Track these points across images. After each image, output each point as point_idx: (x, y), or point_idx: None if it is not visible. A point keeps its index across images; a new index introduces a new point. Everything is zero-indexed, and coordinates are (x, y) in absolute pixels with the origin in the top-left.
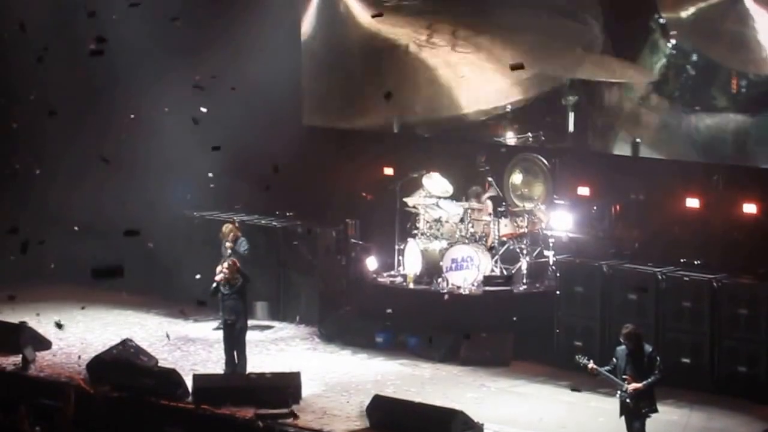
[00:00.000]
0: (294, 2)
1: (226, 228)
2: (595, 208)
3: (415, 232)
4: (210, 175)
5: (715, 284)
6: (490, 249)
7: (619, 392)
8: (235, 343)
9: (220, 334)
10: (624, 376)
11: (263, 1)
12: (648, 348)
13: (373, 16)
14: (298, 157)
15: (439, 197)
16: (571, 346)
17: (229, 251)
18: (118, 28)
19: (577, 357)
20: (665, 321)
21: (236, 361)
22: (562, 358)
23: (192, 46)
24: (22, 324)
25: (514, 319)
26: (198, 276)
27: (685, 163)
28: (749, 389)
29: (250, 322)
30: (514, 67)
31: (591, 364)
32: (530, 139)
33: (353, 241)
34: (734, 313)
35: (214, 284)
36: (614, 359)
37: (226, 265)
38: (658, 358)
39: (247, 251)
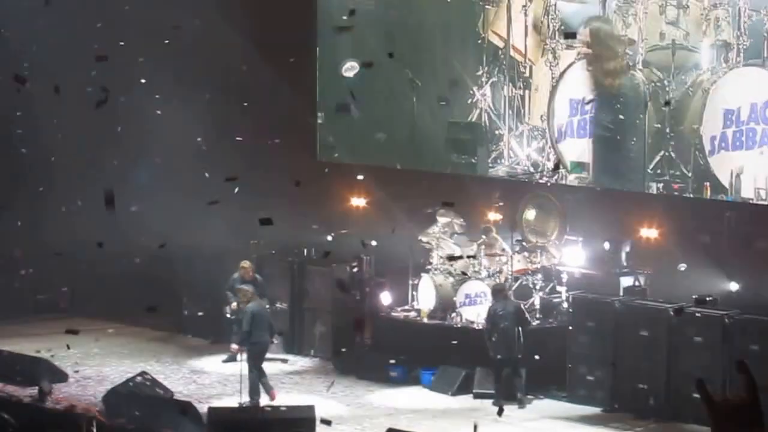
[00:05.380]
0: None
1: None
2: (607, 244)
3: (429, 267)
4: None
5: (726, 320)
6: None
7: None
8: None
9: (234, 366)
10: None
11: None
12: None
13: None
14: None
15: (453, 233)
16: (583, 380)
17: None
18: None
19: None
20: (676, 355)
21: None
22: (574, 392)
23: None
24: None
25: (537, 357)
26: None
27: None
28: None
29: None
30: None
31: None
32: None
33: (368, 276)
34: (745, 348)
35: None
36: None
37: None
38: None
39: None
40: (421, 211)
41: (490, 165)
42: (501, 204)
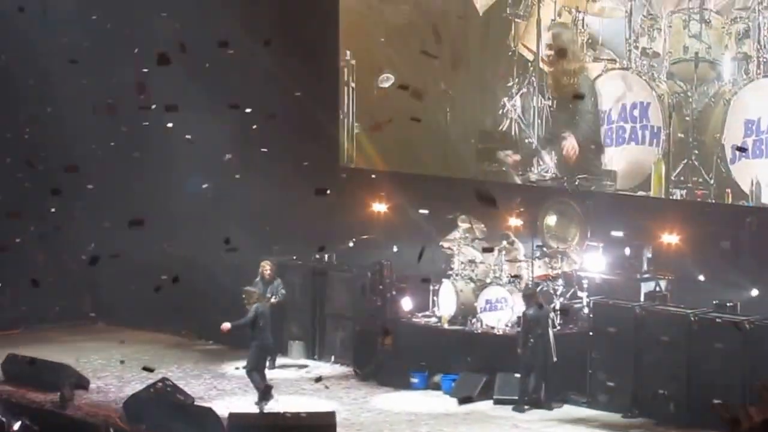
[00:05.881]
0: None
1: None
2: (628, 249)
3: (450, 272)
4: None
5: (747, 325)
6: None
7: None
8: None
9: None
10: None
11: None
12: None
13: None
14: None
15: (474, 238)
16: (603, 386)
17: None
18: None
19: None
20: (697, 361)
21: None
22: (594, 398)
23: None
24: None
25: (555, 359)
26: None
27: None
28: None
29: (286, 360)
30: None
31: None
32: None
33: (389, 281)
34: (766, 353)
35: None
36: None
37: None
38: None
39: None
40: (442, 217)
41: (520, 173)
42: (522, 210)
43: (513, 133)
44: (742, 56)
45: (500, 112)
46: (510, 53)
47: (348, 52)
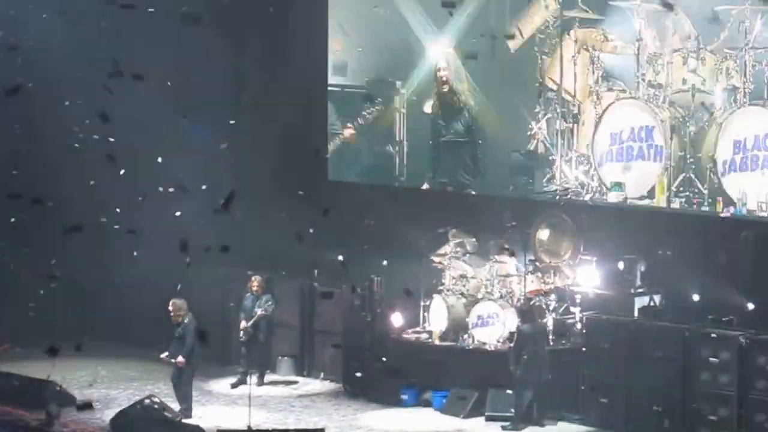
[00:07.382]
0: None
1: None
2: (621, 263)
3: (441, 288)
4: None
5: (742, 340)
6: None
7: None
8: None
9: (242, 389)
10: None
11: None
12: None
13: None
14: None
15: (465, 253)
16: (596, 402)
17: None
18: None
19: None
20: (692, 376)
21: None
22: (587, 414)
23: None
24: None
25: (549, 375)
26: None
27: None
28: None
29: (275, 377)
30: None
31: None
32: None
33: (378, 297)
34: (761, 368)
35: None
36: None
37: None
38: None
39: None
40: (433, 231)
41: (544, 185)
42: (513, 224)
43: (539, 152)
44: (732, 87)
45: (528, 133)
46: (537, 84)
47: (398, 83)
